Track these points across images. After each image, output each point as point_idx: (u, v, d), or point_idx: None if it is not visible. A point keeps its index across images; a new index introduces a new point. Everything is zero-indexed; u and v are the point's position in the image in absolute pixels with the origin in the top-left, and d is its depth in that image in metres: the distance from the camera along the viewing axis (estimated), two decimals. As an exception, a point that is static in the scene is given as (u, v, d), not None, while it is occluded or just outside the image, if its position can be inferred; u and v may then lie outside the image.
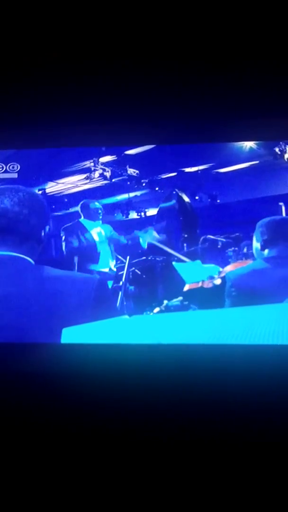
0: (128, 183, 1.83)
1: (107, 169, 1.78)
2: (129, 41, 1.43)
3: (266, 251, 1.48)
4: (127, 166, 1.81)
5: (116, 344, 1.37)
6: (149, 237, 1.77)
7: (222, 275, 1.56)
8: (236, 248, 1.66)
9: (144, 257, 1.70)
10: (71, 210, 1.80)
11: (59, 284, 1.29)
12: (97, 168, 1.76)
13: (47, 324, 1.28)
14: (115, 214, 1.89)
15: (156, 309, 1.53)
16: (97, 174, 1.77)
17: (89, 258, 1.76)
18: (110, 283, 1.65)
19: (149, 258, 1.70)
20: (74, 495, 1.29)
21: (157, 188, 1.83)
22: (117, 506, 1.26)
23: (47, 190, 1.73)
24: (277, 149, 1.64)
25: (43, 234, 1.38)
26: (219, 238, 1.68)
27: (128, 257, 1.64)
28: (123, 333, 1.35)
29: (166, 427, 1.34)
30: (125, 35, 1.42)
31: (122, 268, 1.66)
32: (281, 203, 1.56)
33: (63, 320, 1.27)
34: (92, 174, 1.77)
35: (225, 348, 1.32)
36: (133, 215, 1.84)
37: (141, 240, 1.78)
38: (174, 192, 1.80)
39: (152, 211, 1.85)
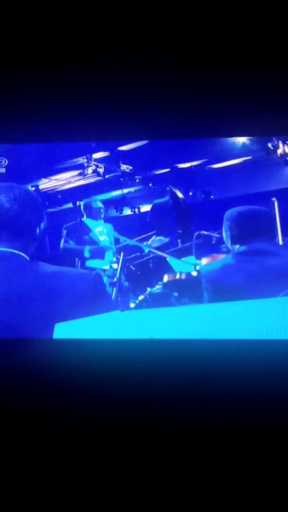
0: (122, 179, 1.85)
1: (100, 165, 1.81)
2: (124, 34, 1.45)
3: (236, 246, 1.46)
4: (121, 162, 1.83)
5: (108, 339, 1.40)
6: (153, 243, 1.81)
7: (198, 268, 1.58)
8: None
9: (138, 253, 1.74)
10: (65, 206, 1.83)
11: (55, 280, 1.32)
12: (90, 164, 1.80)
13: (42, 320, 1.31)
14: (109, 210, 1.91)
15: (141, 297, 1.59)
16: (90, 170, 1.80)
17: (91, 255, 1.80)
18: (105, 279, 1.68)
19: (143, 254, 1.74)
20: (70, 493, 1.31)
21: (150, 184, 1.87)
22: (112, 501, 1.29)
23: (40, 187, 1.76)
24: (269, 145, 1.67)
25: (38, 231, 1.41)
26: (213, 234, 1.70)
27: (122, 253, 1.67)
28: (115, 328, 1.39)
29: (161, 422, 1.37)
30: (120, 28, 1.44)
31: (116, 265, 1.70)
32: (274, 199, 1.58)
33: (58, 316, 1.30)
34: (85, 171, 1.80)
35: (219, 343, 1.36)
36: (127, 211, 1.87)
37: (144, 248, 1.81)
38: (167, 188, 1.82)
39: (146, 207, 1.88)
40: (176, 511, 1.24)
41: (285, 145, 1.66)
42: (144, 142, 1.70)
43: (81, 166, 1.81)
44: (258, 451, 1.29)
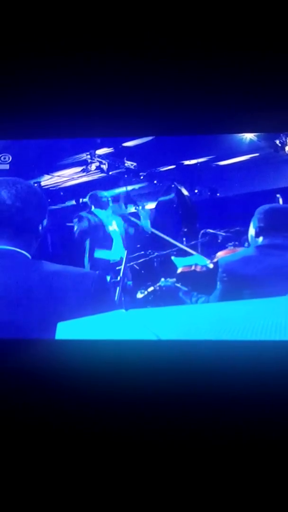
0: (126, 176, 1.84)
1: (104, 161, 1.80)
2: (127, 29, 1.46)
3: (260, 239, 1.52)
4: (125, 159, 1.82)
5: (112, 340, 1.39)
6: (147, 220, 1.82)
7: (215, 260, 1.61)
8: (237, 243, 1.69)
9: (142, 252, 1.74)
10: (68, 203, 1.83)
11: (57, 280, 1.31)
12: (93, 161, 1.78)
13: (44, 319, 1.31)
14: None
15: (151, 288, 1.61)
16: (93, 166, 1.79)
17: (100, 245, 1.80)
18: (108, 278, 1.68)
19: (148, 252, 1.74)
20: (72, 494, 1.32)
21: (155, 181, 1.85)
22: (114, 502, 1.30)
23: (43, 183, 1.76)
24: (277, 141, 1.67)
25: (40, 228, 1.40)
26: (219, 232, 1.71)
27: (125, 252, 1.68)
28: (119, 327, 1.39)
29: (165, 424, 1.38)
30: (123, 23, 1.45)
31: (120, 263, 1.69)
32: (278, 195, 1.58)
33: (60, 315, 1.30)
34: (88, 167, 1.79)
35: (225, 344, 1.36)
36: (131, 209, 1.86)
37: (144, 226, 1.81)
38: (173, 185, 1.82)
39: (150, 205, 1.86)
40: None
41: (294, 142, 1.65)
42: (149, 138, 1.71)
43: (84, 163, 1.80)
44: (263, 454, 1.31)
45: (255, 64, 1.55)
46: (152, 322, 1.39)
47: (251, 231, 1.56)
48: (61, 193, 1.81)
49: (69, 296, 1.31)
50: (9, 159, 1.62)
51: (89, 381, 1.41)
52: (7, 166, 1.62)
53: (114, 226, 1.83)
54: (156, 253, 1.73)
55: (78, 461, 1.36)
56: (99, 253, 1.76)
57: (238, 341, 1.35)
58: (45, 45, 1.51)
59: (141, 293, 1.63)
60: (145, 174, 1.83)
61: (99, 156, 1.78)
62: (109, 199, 1.83)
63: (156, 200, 1.86)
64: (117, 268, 1.67)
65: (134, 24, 1.46)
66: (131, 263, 1.71)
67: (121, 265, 1.65)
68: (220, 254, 1.65)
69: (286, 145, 1.67)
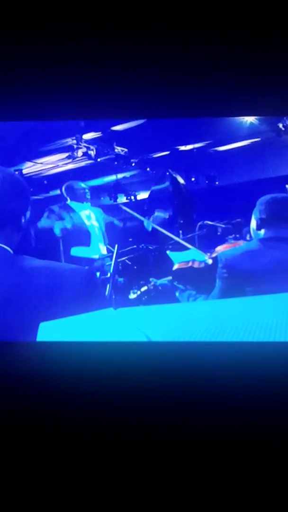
0: (116, 163, 1.77)
1: (91, 147, 1.73)
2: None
3: (262, 231, 1.47)
4: (114, 144, 1.76)
5: (99, 342, 1.35)
6: (155, 220, 1.76)
7: (214, 255, 1.55)
8: (238, 235, 1.65)
9: (134, 246, 1.68)
10: (52, 193, 1.76)
11: (42, 276, 1.26)
12: (80, 146, 1.71)
13: (25, 319, 1.25)
14: (102, 198, 1.84)
15: (144, 288, 1.54)
16: (80, 152, 1.72)
17: (77, 243, 1.72)
18: (97, 274, 1.62)
19: (141, 246, 1.68)
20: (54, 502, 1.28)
21: (148, 169, 1.79)
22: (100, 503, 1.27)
23: (24, 171, 1.69)
24: (280, 125, 1.62)
25: (23, 220, 1.33)
26: (218, 224, 1.66)
27: (116, 246, 1.59)
28: (107, 328, 1.34)
29: (152, 431, 1.35)
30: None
31: (110, 258, 1.62)
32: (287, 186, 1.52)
33: (44, 315, 1.25)
34: (74, 153, 1.72)
35: (225, 346, 1.32)
36: (122, 198, 1.79)
37: (145, 223, 1.76)
38: (167, 173, 1.77)
39: (143, 194, 1.80)
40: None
41: (298, 126, 1.61)
42: (141, 121, 1.63)
43: (70, 148, 1.72)
44: (263, 460, 1.29)
45: (257, 40, 1.47)
46: (143, 322, 1.34)
47: (253, 223, 1.51)
48: (45, 182, 1.73)
49: (53, 294, 1.25)
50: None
51: (72, 389, 1.37)
52: None
53: (93, 221, 1.77)
54: (150, 247, 1.67)
55: (62, 467, 1.33)
56: (76, 251, 1.69)
57: (240, 342, 1.30)
58: (26, 18, 1.41)
59: (134, 293, 1.57)
60: (136, 160, 1.77)
61: (86, 141, 1.71)
62: (87, 190, 1.77)
63: (149, 189, 1.80)
64: (107, 264, 1.61)
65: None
66: (123, 258, 1.64)
67: (111, 260, 1.57)
68: (219, 248, 1.59)
69: (289, 129, 1.62)
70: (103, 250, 1.69)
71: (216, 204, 1.71)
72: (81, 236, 1.73)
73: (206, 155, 1.72)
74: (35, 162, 1.69)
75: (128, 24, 1.40)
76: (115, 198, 1.79)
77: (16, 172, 1.64)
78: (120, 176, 1.80)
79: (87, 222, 1.77)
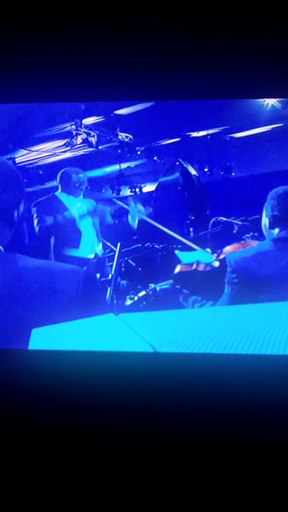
0: (119, 151, 1.70)
1: (92, 133, 1.65)
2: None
3: (276, 230, 1.36)
4: (118, 130, 1.68)
5: (98, 352, 1.30)
6: (136, 213, 1.68)
7: (221, 256, 1.46)
8: (256, 234, 1.54)
9: (139, 245, 1.59)
10: (48, 185, 1.69)
11: (36, 277, 1.22)
12: (79, 132, 1.64)
13: (16, 325, 1.21)
14: (103, 191, 1.78)
15: (142, 293, 1.47)
16: (79, 139, 1.65)
17: (67, 241, 1.64)
18: (97, 276, 1.54)
19: (146, 245, 1.59)
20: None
21: (155, 158, 1.71)
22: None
23: (17, 160, 1.62)
24: None
25: (16, 214, 1.27)
26: (234, 221, 1.57)
27: (119, 244, 1.51)
28: (107, 336, 1.28)
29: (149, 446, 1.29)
30: None
31: (111, 258, 1.52)
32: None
33: (38, 320, 1.20)
34: (73, 140, 1.65)
35: (228, 359, 1.23)
36: (126, 191, 1.71)
37: (129, 218, 1.68)
38: (177, 163, 1.69)
39: (149, 187, 1.72)
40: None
41: None
42: (148, 103, 1.57)
43: (68, 134, 1.64)
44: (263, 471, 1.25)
45: (281, 11, 1.35)
46: (147, 330, 1.27)
47: (265, 220, 1.41)
48: (40, 172, 1.67)
49: (48, 297, 1.21)
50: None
51: (66, 403, 1.31)
52: None
53: (85, 216, 1.68)
54: (156, 246, 1.59)
55: (53, 482, 1.28)
56: (68, 251, 1.63)
57: (252, 355, 1.20)
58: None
59: (130, 299, 1.49)
60: (142, 149, 1.70)
61: (87, 126, 1.64)
62: (85, 180, 1.68)
63: (157, 181, 1.73)
64: (109, 264, 1.53)
65: None
66: (125, 258, 1.55)
67: (112, 260, 1.48)
68: (228, 249, 1.49)
69: None
70: (97, 250, 1.61)
71: (232, 198, 1.62)
72: (70, 235, 1.66)
73: (222, 143, 1.63)
74: (30, 150, 1.63)
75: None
76: (118, 191, 1.72)
77: (9, 161, 1.58)
78: (124, 166, 1.73)
79: (77, 217, 1.68)
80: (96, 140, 1.66)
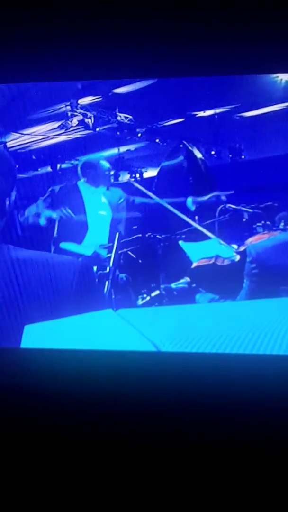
0: (118, 133, 1.66)
1: (89, 114, 1.62)
2: None
3: None
4: (117, 110, 1.65)
5: (96, 351, 1.29)
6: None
7: (242, 249, 1.44)
8: (268, 222, 1.49)
9: (139, 235, 1.55)
10: (41, 170, 1.65)
11: (28, 269, 1.23)
12: (75, 113, 1.61)
13: (7, 321, 1.23)
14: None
15: (155, 292, 1.45)
16: (75, 121, 1.62)
17: (71, 235, 1.61)
18: (94, 269, 1.51)
19: (147, 235, 1.54)
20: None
21: (157, 140, 1.67)
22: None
23: (9, 144, 1.59)
24: None
25: (7, 203, 1.29)
26: (244, 208, 1.52)
27: (117, 235, 1.50)
28: (106, 333, 1.27)
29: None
30: None
31: (110, 250, 1.50)
32: None
33: (31, 315, 1.21)
34: (68, 122, 1.62)
35: (230, 358, 1.21)
36: (125, 177, 1.66)
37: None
38: (181, 146, 1.65)
39: (151, 172, 1.67)
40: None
41: None
42: (149, 81, 1.53)
43: (63, 116, 1.61)
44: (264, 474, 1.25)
45: None
46: (149, 327, 1.25)
47: None
48: (33, 157, 1.64)
49: (41, 290, 1.23)
50: None
51: (60, 404, 1.30)
52: None
53: (102, 211, 1.64)
54: (158, 236, 1.54)
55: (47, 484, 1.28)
56: (66, 245, 1.59)
57: (260, 355, 1.18)
58: None
59: (142, 298, 1.47)
60: (143, 130, 1.66)
61: (83, 107, 1.61)
62: (111, 173, 1.65)
63: (159, 165, 1.68)
64: (107, 255, 1.50)
65: None
66: (125, 250, 1.52)
67: (110, 252, 1.47)
68: (250, 240, 1.47)
69: None
70: (99, 248, 1.58)
71: (241, 183, 1.57)
72: (77, 227, 1.62)
73: (230, 123, 1.58)
74: (22, 133, 1.61)
75: None
76: (117, 177, 1.67)
77: (0, 145, 1.57)
78: (123, 149, 1.68)
79: (94, 211, 1.65)
80: (93, 121, 1.63)
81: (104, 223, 1.66)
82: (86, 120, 1.62)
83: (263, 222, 1.50)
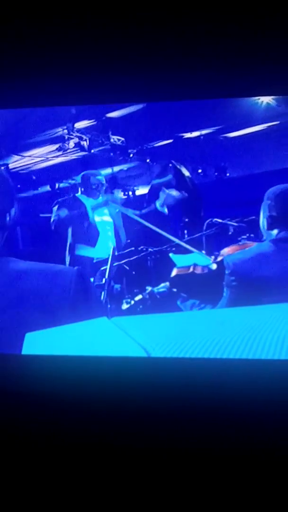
0: (112, 154, 1.72)
1: (84, 137, 1.67)
2: None
3: (275, 231, 1.33)
4: (110, 133, 1.69)
5: (91, 356, 1.29)
6: (167, 198, 1.66)
7: (219, 259, 1.44)
8: (252, 235, 1.54)
9: (132, 248, 1.59)
10: (41, 190, 1.72)
11: (26, 279, 1.19)
12: (71, 136, 1.66)
13: (9, 329, 1.17)
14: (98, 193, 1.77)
15: (139, 297, 1.45)
16: (72, 143, 1.67)
17: (86, 241, 1.65)
18: (91, 280, 1.55)
19: (139, 249, 1.59)
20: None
21: (148, 160, 1.73)
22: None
23: (10, 165, 1.66)
24: None
25: (7, 218, 1.25)
26: (229, 222, 1.56)
27: (112, 248, 1.53)
28: (100, 340, 1.25)
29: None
30: None
31: (105, 262, 1.51)
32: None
33: (30, 323, 1.16)
34: (65, 144, 1.67)
35: (225, 364, 1.18)
36: (119, 194, 1.74)
37: (157, 204, 1.66)
38: (170, 165, 1.69)
39: (142, 190, 1.74)
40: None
41: None
42: (140, 105, 1.56)
43: (60, 139, 1.66)
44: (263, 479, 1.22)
45: (275, 10, 1.34)
46: (141, 334, 1.23)
47: (262, 221, 1.38)
48: (33, 177, 1.69)
49: (40, 299, 1.17)
50: None
51: (59, 410, 1.30)
52: None
53: (105, 217, 1.69)
54: (150, 249, 1.57)
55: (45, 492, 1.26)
56: (83, 250, 1.63)
57: (250, 360, 1.14)
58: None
59: (127, 303, 1.48)
60: (135, 151, 1.71)
61: (79, 130, 1.65)
62: (104, 182, 1.68)
63: (150, 184, 1.72)
64: (102, 268, 1.51)
65: None
66: (119, 262, 1.55)
67: (106, 264, 1.48)
68: (225, 251, 1.48)
69: (313, 110, 1.54)
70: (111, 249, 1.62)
71: (227, 199, 1.61)
72: (88, 233, 1.66)
73: (215, 143, 1.63)
74: (22, 156, 1.66)
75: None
76: (111, 193, 1.74)
77: (2, 167, 1.62)
78: (116, 169, 1.74)
79: (97, 218, 1.69)
80: (88, 143, 1.67)
81: (110, 228, 1.69)
82: (82, 142, 1.67)
83: (247, 234, 1.54)
